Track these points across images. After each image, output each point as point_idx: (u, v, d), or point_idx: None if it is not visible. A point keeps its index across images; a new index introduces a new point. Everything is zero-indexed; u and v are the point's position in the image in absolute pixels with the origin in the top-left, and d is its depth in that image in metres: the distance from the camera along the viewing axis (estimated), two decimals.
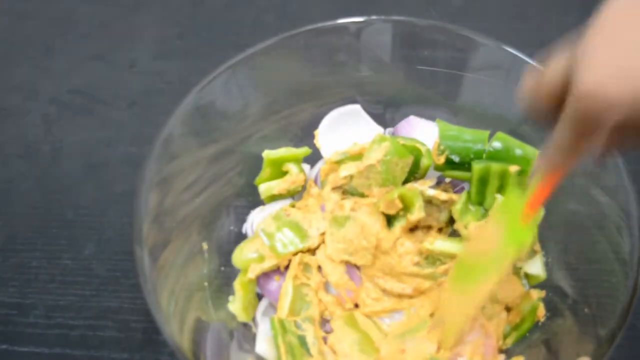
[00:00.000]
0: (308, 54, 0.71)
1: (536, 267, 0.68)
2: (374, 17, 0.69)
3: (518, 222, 0.53)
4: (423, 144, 0.69)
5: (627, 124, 0.41)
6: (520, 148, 0.66)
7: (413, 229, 0.68)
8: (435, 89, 0.72)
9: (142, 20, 1.04)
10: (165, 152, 0.63)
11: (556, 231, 0.68)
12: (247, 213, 0.72)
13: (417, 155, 0.69)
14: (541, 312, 0.65)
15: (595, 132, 0.42)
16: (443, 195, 0.66)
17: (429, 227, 0.69)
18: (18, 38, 1.02)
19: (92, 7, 1.06)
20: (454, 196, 0.68)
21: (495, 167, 0.66)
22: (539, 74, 0.46)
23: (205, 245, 0.68)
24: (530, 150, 0.66)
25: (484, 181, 0.67)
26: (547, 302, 0.65)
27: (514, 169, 0.66)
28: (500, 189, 0.67)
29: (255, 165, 0.73)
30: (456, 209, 0.68)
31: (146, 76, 0.97)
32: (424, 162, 0.69)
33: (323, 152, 0.74)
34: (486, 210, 0.68)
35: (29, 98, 0.95)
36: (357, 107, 0.75)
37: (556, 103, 0.44)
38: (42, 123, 0.92)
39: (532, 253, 0.67)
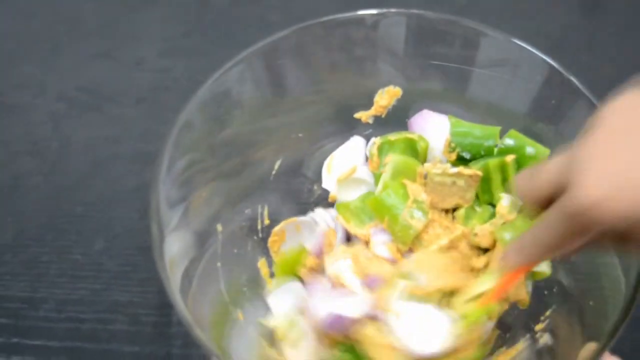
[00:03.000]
0: (324, 46, 0.72)
1: (542, 265, 0.68)
2: (392, 10, 0.70)
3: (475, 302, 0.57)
4: (412, 133, 0.71)
5: (625, 234, 0.40)
6: (532, 146, 0.66)
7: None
8: (450, 83, 0.72)
9: (148, 18, 1.05)
10: (182, 138, 0.63)
11: None
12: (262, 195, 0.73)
13: (411, 144, 0.70)
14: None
15: (582, 239, 0.43)
16: (467, 170, 0.66)
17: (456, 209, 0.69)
18: (25, 36, 1.03)
19: (98, 5, 1.07)
20: (479, 172, 0.67)
21: (493, 162, 0.67)
22: (532, 176, 0.48)
23: (219, 227, 0.68)
24: (542, 149, 0.67)
25: (486, 179, 0.68)
26: (551, 295, 0.66)
27: (509, 158, 0.66)
28: (504, 182, 0.68)
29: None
30: (460, 214, 0.68)
31: (153, 74, 0.98)
32: (421, 145, 0.70)
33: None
34: (494, 207, 0.68)
35: (36, 95, 0.96)
36: (358, 140, 0.76)
37: (547, 203, 0.45)
38: (50, 120, 0.93)
39: None
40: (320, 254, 0.69)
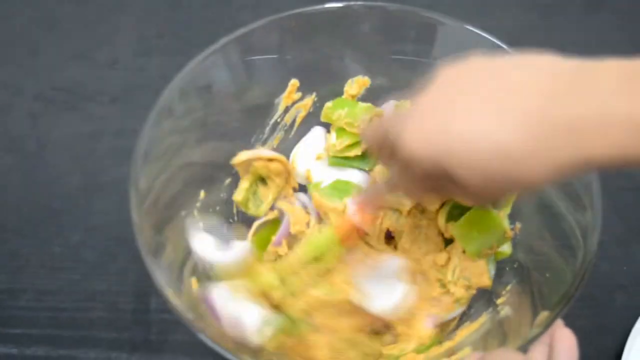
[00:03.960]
0: (294, 37, 0.75)
1: (504, 245, 0.71)
2: (359, 2, 0.73)
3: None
4: None
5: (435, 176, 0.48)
6: None
7: None
8: (414, 73, 0.75)
9: (122, 20, 1.07)
10: (159, 123, 0.66)
11: (523, 208, 0.72)
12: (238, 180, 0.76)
13: None
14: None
15: (412, 177, 0.52)
16: None
17: None
18: (2, 38, 1.04)
19: (73, 8, 1.08)
20: None
21: None
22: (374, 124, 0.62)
23: (196, 212, 0.71)
24: None
25: None
26: (512, 271, 0.70)
27: None
28: None
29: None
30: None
31: (127, 73, 1.00)
32: None
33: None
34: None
35: (14, 95, 0.98)
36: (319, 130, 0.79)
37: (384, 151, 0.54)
38: (28, 119, 0.95)
39: (506, 238, 0.70)
40: (279, 244, 0.73)
